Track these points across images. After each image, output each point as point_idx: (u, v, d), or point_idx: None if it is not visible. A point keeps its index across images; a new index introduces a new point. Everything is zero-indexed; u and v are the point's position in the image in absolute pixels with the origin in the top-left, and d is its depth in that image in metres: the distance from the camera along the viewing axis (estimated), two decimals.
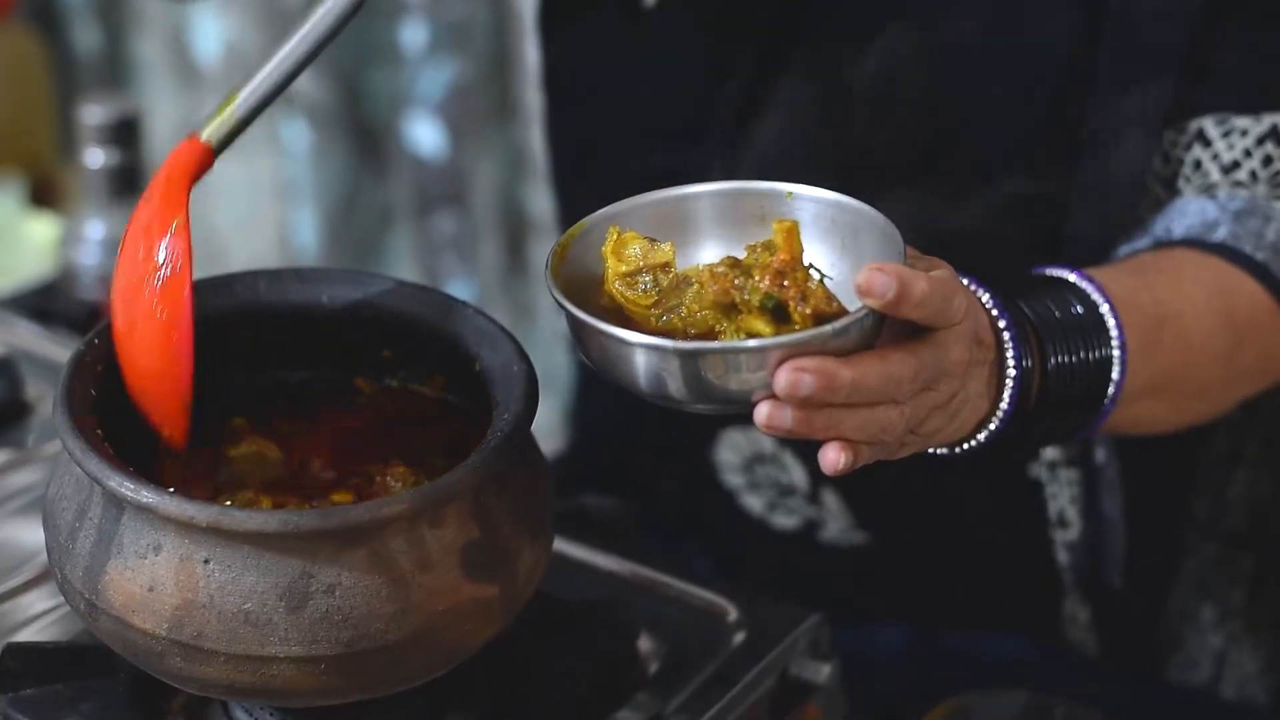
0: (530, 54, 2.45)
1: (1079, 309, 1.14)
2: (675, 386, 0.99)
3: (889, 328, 1.01)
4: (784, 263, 1.00)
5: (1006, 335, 1.08)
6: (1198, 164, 1.30)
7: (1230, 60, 1.30)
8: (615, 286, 1.04)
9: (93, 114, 1.81)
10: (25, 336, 1.56)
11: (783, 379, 0.96)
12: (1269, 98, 1.29)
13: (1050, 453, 1.41)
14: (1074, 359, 1.12)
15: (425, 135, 2.59)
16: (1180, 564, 1.48)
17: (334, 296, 1.19)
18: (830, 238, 1.07)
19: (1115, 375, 1.14)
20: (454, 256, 2.67)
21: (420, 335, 1.18)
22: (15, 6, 2.45)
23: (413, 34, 2.51)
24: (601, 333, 0.99)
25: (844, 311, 1.00)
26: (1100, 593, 1.45)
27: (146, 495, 1.01)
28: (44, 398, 1.46)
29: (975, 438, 1.09)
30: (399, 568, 1.02)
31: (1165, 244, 1.28)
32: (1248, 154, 1.29)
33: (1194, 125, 1.30)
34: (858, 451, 0.99)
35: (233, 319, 1.18)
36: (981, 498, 1.44)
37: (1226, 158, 1.30)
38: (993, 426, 1.09)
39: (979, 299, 1.08)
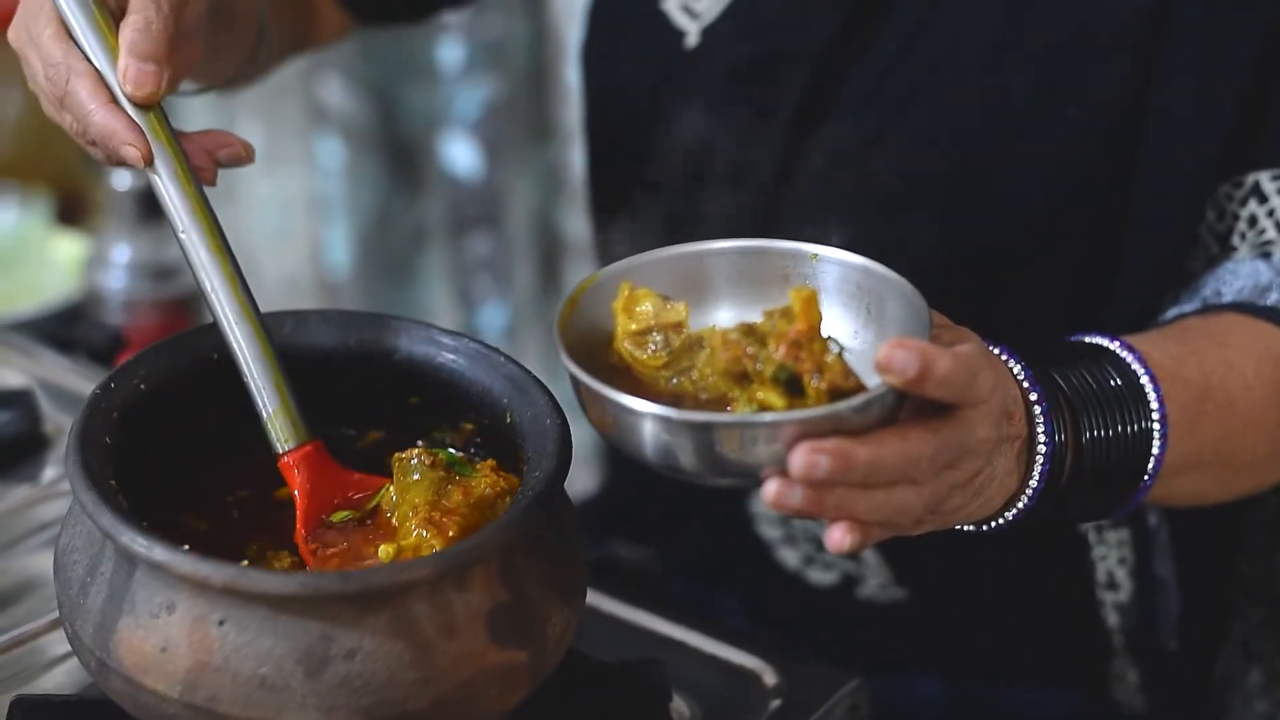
0: (569, 75, 2.44)
1: (1117, 379, 1.08)
2: (682, 458, 0.95)
3: (911, 401, 0.96)
4: (800, 333, 0.96)
5: (1038, 409, 1.03)
6: (1253, 220, 1.26)
7: None
8: (625, 345, 1.01)
9: None
10: (47, 366, 1.53)
11: (798, 460, 0.91)
12: None
13: None
14: (1110, 433, 1.06)
15: (460, 154, 2.56)
16: (1228, 628, 1.44)
17: (361, 341, 1.15)
18: (854, 304, 1.03)
19: (1155, 450, 1.08)
20: (488, 278, 2.63)
21: (449, 382, 1.14)
22: None
23: (450, 53, 2.48)
24: (606, 399, 0.95)
25: (861, 386, 0.96)
26: (1151, 655, 1.40)
27: (160, 553, 0.97)
28: (63, 430, 1.42)
29: (1004, 515, 1.04)
30: (422, 632, 0.98)
31: (1214, 308, 1.24)
32: None
33: (1250, 179, 1.26)
34: (867, 532, 0.95)
35: None
36: (1027, 557, 1.40)
37: None
38: (1022, 504, 1.04)
39: (1010, 369, 1.03)
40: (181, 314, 1.82)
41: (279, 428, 1.10)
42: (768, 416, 0.93)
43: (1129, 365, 1.09)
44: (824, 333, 0.98)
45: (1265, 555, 1.41)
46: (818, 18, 1.33)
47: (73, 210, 2.27)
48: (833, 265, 1.04)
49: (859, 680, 1.22)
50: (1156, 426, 1.08)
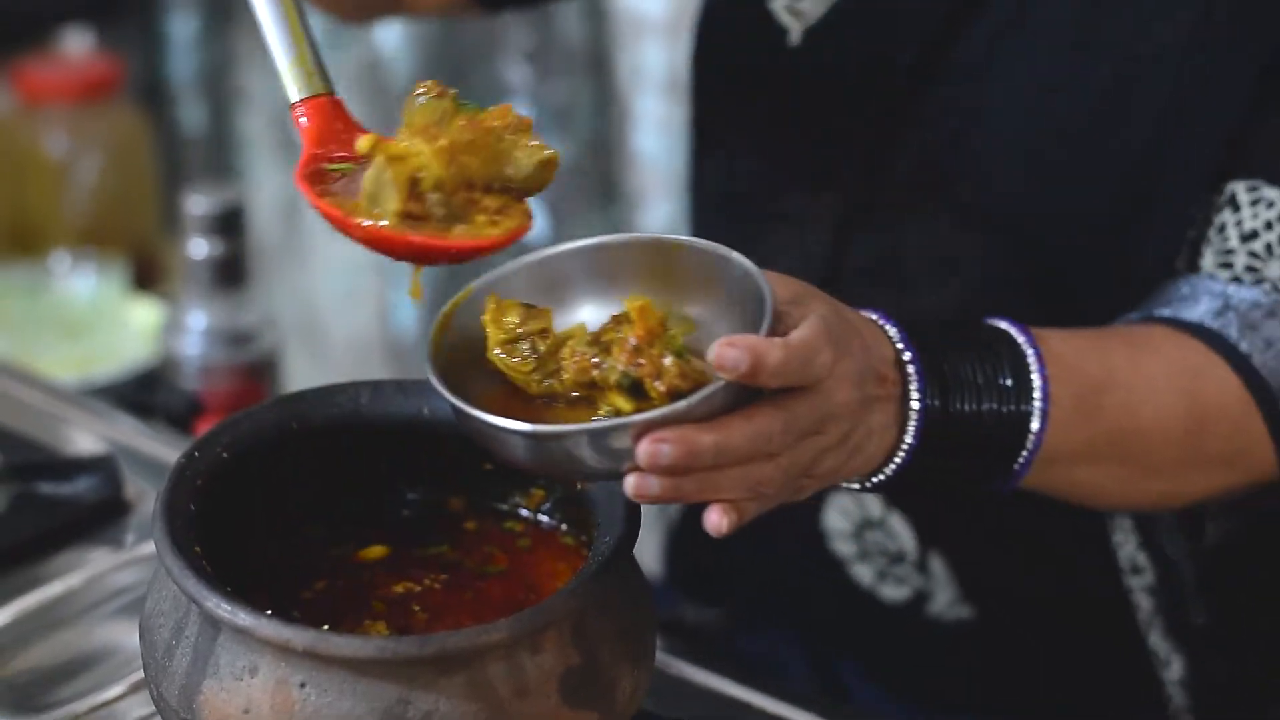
0: (633, 139, 2.47)
1: (1004, 358, 1.13)
2: (548, 463, 1.01)
3: None
4: (639, 338, 1.01)
5: (911, 369, 1.08)
6: (1222, 227, 1.29)
7: (1274, 128, 1.28)
8: (496, 354, 1.06)
9: (198, 204, 1.82)
10: (126, 431, 1.56)
11: (642, 451, 0.97)
12: None
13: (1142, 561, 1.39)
14: (983, 406, 1.11)
15: None
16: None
17: (435, 409, 1.18)
18: (714, 291, 1.07)
19: (1034, 428, 1.13)
20: None
21: None
22: (121, 85, 2.46)
23: None
24: (466, 414, 1.02)
25: (704, 379, 1.00)
26: (1191, 643, 1.42)
27: (244, 617, 1.00)
28: (144, 496, 1.45)
29: (884, 470, 1.09)
30: (496, 695, 1.01)
31: (1150, 319, 1.27)
32: (1269, 226, 1.27)
33: (1229, 189, 1.29)
34: (741, 510, 1.00)
35: (334, 430, 1.18)
36: (1058, 553, 1.43)
37: (1248, 226, 1.27)
38: (899, 460, 1.09)
39: (884, 331, 1.09)
40: (257, 380, 1.85)
41: (294, 77, 1.13)
42: (605, 423, 0.99)
43: (1019, 345, 1.14)
44: (678, 324, 1.04)
45: None
46: (913, 23, 1.37)
47: (148, 276, 2.31)
48: (694, 254, 1.08)
49: None
50: (1037, 406, 1.13)
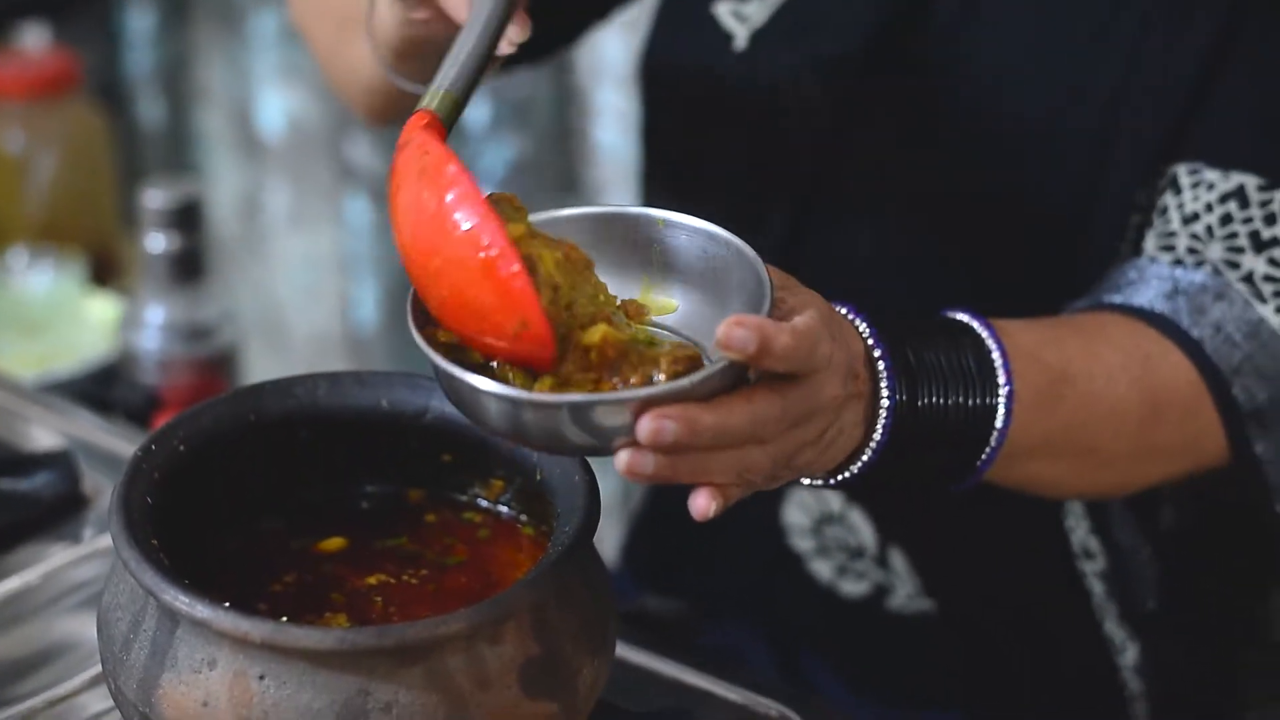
0: (593, 133, 2.47)
1: (968, 353, 1.12)
2: (533, 435, 0.99)
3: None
4: (603, 368, 1.00)
5: (881, 365, 1.07)
6: (1164, 210, 1.29)
7: (1218, 111, 1.29)
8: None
9: (154, 198, 1.81)
10: (84, 427, 1.55)
11: (645, 427, 0.95)
12: (1242, 157, 1.27)
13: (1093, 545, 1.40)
14: (951, 401, 1.10)
15: None
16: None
17: (394, 401, 1.18)
18: (702, 268, 1.07)
19: (999, 424, 1.12)
20: None
21: (480, 441, 1.16)
22: (78, 81, 2.45)
23: (475, 112, 2.51)
24: (455, 378, 0.99)
25: (698, 359, 1.00)
26: (1146, 629, 1.43)
27: (201, 610, 1.00)
28: (102, 490, 1.44)
29: (849, 469, 1.09)
30: (456, 686, 1.00)
31: (1101, 306, 1.27)
32: (1209, 208, 1.27)
33: (1171, 171, 1.29)
34: (727, 494, 0.99)
35: (291, 422, 1.17)
36: (1013, 540, 1.44)
37: (1189, 208, 1.28)
38: (866, 458, 1.08)
39: (856, 328, 1.08)
40: (217, 374, 1.85)
41: (438, 99, 1.09)
42: (611, 395, 0.97)
43: (983, 340, 1.13)
44: (654, 306, 1.04)
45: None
46: (857, 25, 1.37)
47: (107, 272, 2.30)
48: (680, 230, 1.07)
49: None
50: (1002, 401, 1.12)
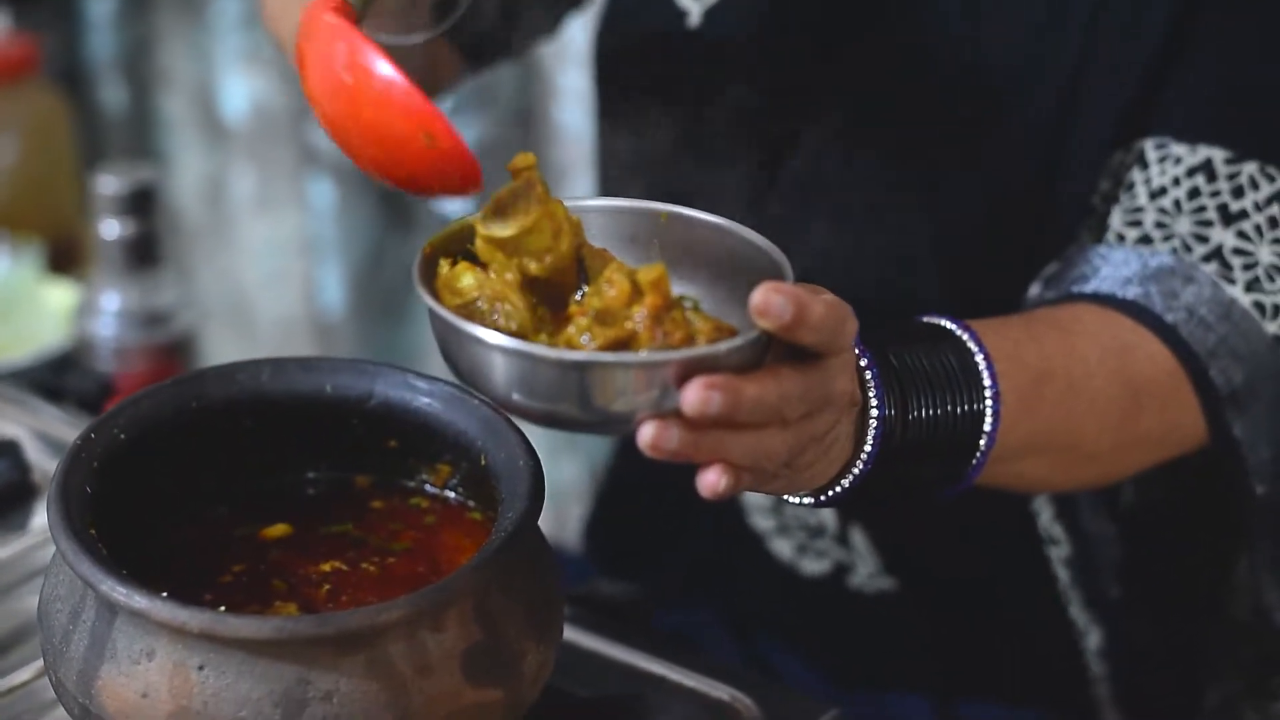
0: (557, 115, 2.45)
1: (952, 359, 1.10)
2: (554, 402, 0.94)
3: (774, 349, 0.98)
4: (656, 308, 0.96)
5: (869, 375, 1.05)
6: (1130, 185, 1.28)
7: (1183, 85, 1.27)
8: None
9: (109, 184, 1.80)
10: (36, 414, 1.54)
11: (693, 395, 0.92)
12: (1209, 130, 1.26)
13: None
14: (940, 410, 1.08)
15: None
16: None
17: (338, 386, 1.17)
18: (705, 261, 1.05)
19: (987, 428, 1.10)
20: None
21: (425, 426, 1.16)
22: (38, 65, 2.43)
23: None
24: (464, 333, 0.94)
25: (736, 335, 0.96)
26: (1110, 621, 1.42)
27: (139, 600, 0.99)
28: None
29: (840, 483, 1.06)
30: (398, 673, 1.00)
31: (1073, 296, 1.25)
32: (1176, 182, 1.26)
33: (1138, 146, 1.28)
34: (739, 477, 0.96)
35: (234, 409, 1.16)
36: (982, 527, 1.43)
37: (1156, 183, 1.26)
38: (856, 471, 1.06)
39: None
40: (173, 361, 1.84)
41: None
42: (645, 356, 0.93)
43: (965, 345, 1.11)
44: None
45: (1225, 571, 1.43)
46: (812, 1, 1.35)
47: (64, 259, 2.28)
48: (682, 224, 1.05)
49: (837, 710, 1.23)
50: (989, 405, 1.10)
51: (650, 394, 0.93)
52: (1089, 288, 1.25)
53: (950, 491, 1.13)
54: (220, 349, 2.66)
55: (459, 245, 1.03)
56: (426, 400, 1.16)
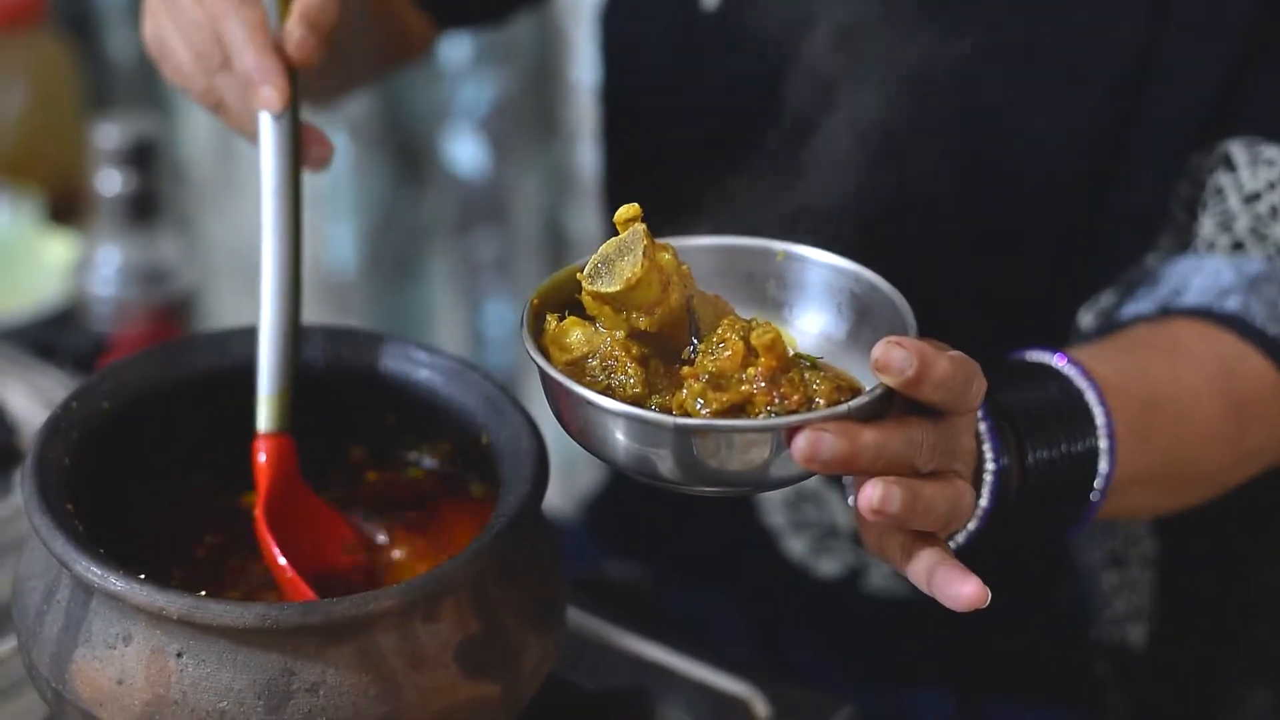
0: (574, 72, 2.39)
1: (1061, 398, 1.04)
2: (667, 467, 0.90)
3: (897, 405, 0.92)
4: (769, 370, 0.91)
5: (983, 426, 0.99)
6: (1219, 190, 1.21)
7: (1270, 84, 1.21)
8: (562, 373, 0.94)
9: (108, 136, 1.73)
10: (27, 373, 1.48)
11: (801, 443, 0.87)
12: None
13: None
14: (1055, 453, 1.02)
15: (466, 152, 2.52)
16: (1233, 645, 1.40)
17: (333, 357, 1.11)
18: (823, 302, 1.00)
19: (1104, 468, 1.04)
20: (493, 275, 2.59)
21: (426, 401, 1.10)
22: (44, 12, 2.37)
23: (455, 49, 2.44)
24: (588, 402, 0.90)
25: (860, 392, 0.91)
26: (1151, 683, 1.37)
27: (115, 582, 0.93)
28: None
29: (954, 538, 1.00)
30: (389, 665, 0.94)
31: (1170, 311, 1.19)
32: (1271, 186, 1.20)
33: (1222, 148, 1.22)
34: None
35: (230, 377, 1.10)
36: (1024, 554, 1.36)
37: (1249, 187, 1.21)
38: (972, 526, 1.00)
39: None
40: (172, 320, 1.77)
41: (272, 410, 1.06)
42: (762, 421, 0.89)
43: (1073, 382, 1.05)
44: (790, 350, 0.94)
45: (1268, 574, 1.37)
46: None
47: (67, 210, 2.22)
48: (799, 263, 1.01)
49: (851, 707, 1.17)
50: (1104, 443, 1.04)
51: (765, 456, 0.89)
52: (1185, 302, 1.20)
53: (1073, 533, 1.09)
54: (229, 306, 2.61)
55: (565, 294, 0.98)
56: (427, 374, 1.10)
